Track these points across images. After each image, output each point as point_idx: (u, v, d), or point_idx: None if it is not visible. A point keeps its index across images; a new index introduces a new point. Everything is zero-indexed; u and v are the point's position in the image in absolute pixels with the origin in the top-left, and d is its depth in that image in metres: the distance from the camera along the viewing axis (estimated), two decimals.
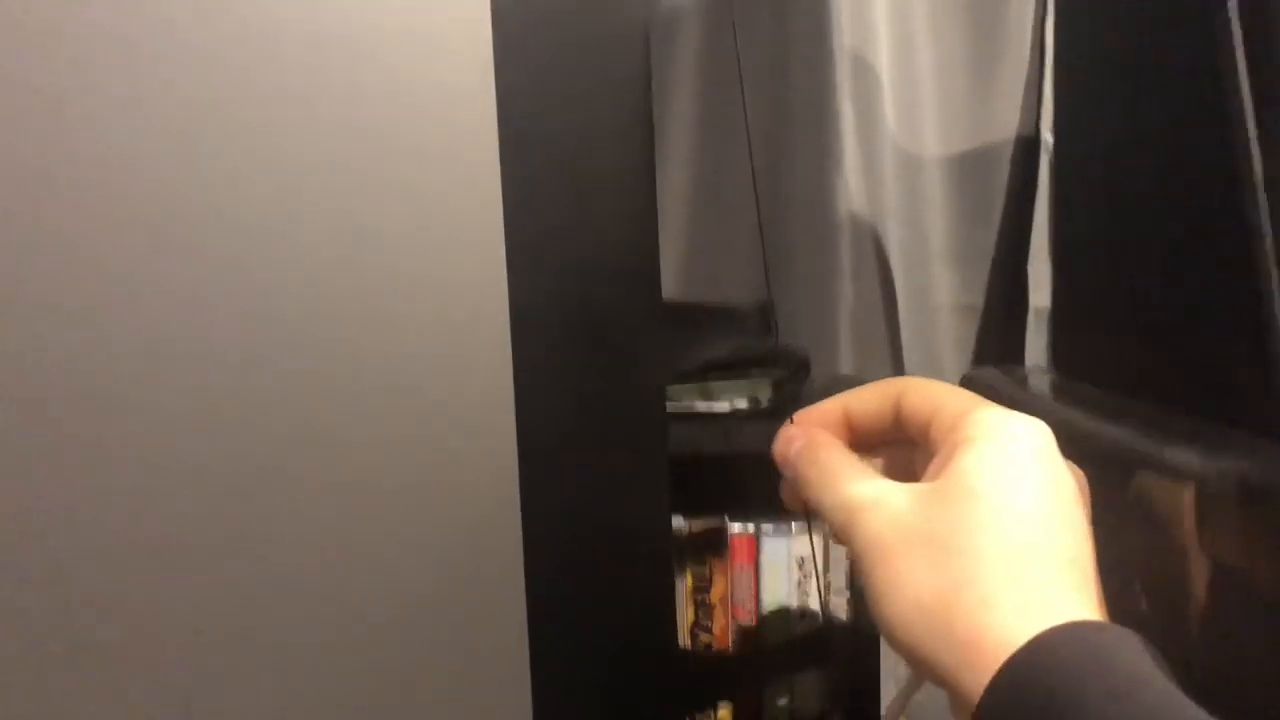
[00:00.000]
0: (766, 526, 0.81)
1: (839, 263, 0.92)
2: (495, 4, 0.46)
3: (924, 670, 0.30)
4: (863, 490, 0.34)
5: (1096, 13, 0.66)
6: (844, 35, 0.91)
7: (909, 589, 0.31)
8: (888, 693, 0.82)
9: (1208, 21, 0.49)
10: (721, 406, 0.77)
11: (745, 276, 0.92)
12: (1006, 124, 0.96)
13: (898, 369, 0.98)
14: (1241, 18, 0.48)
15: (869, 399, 0.38)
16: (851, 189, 0.93)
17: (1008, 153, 0.96)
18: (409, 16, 0.43)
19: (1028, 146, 0.96)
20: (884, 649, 0.81)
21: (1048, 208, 0.92)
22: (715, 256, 0.92)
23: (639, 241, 0.52)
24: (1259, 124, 0.48)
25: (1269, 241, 0.46)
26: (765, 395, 0.78)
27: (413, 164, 0.42)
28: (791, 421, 0.38)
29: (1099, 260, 0.68)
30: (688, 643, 0.83)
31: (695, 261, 0.92)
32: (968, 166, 0.97)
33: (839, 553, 0.83)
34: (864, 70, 0.94)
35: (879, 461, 0.38)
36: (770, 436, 0.38)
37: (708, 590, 0.82)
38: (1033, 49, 0.96)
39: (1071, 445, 0.34)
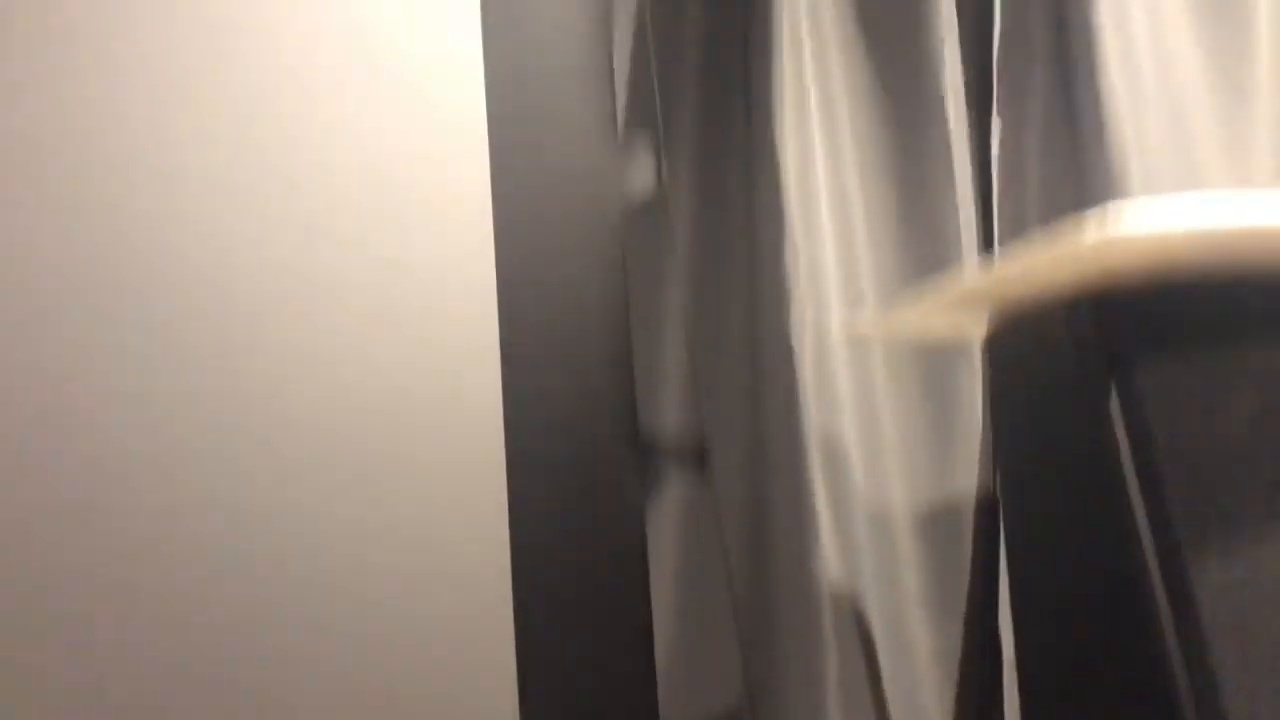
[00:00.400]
0: None
1: (823, 636, 0.99)
2: (495, 194, 0.55)
3: None
4: None
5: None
6: (812, 411, 1.02)
7: None
8: None
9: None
10: None
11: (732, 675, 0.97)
12: (966, 487, 1.06)
13: None
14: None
15: None
16: (828, 555, 1.01)
17: (971, 513, 1.06)
18: (415, 200, 0.52)
19: (988, 508, 1.05)
20: None
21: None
22: (706, 668, 0.98)
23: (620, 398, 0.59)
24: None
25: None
26: None
27: (416, 343, 0.51)
28: None
29: (1049, 633, 0.76)
30: None
31: (686, 672, 0.96)
32: (935, 524, 1.06)
33: None
34: (833, 444, 1.05)
35: None
36: None
37: None
38: (983, 419, 1.08)
39: None
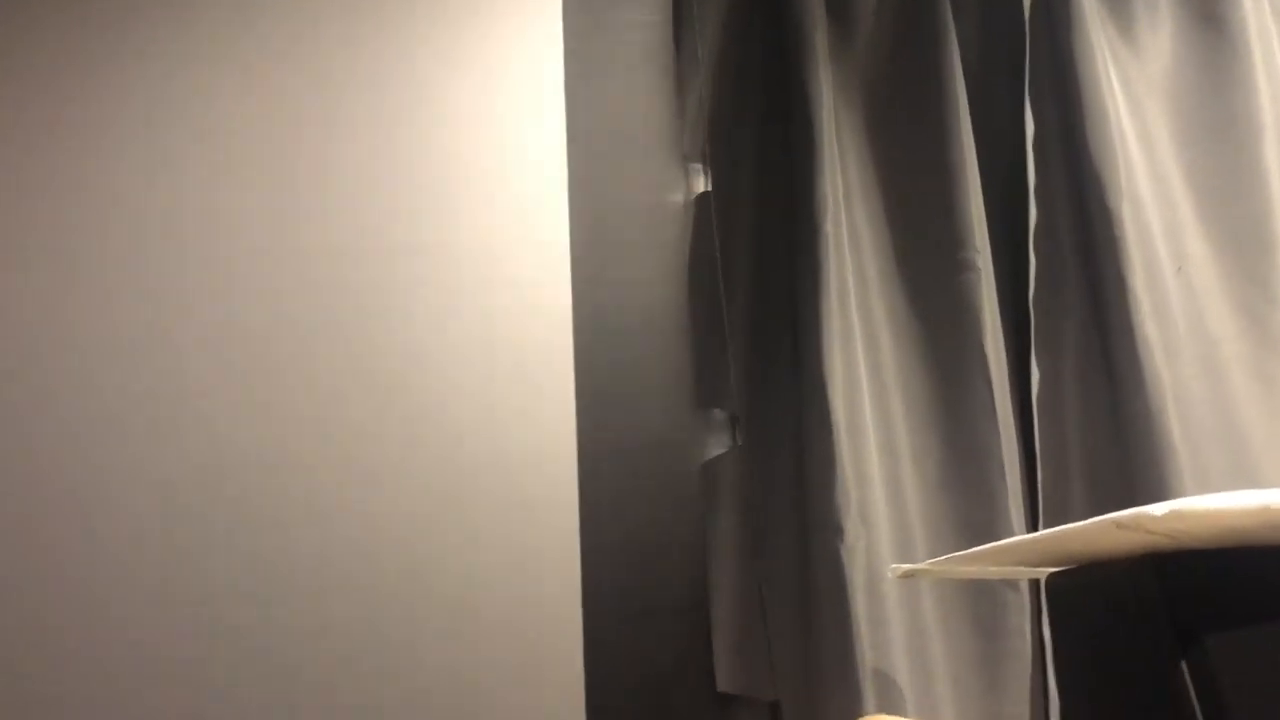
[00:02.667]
0: None
1: None
2: (580, 450, 0.56)
3: None
4: None
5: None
6: (865, 644, 1.02)
7: None
8: None
9: None
10: None
11: None
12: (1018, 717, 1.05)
13: None
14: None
15: None
16: None
17: None
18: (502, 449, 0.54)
19: None
20: None
21: None
22: None
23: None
24: None
25: None
26: None
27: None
28: None
29: None
30: None
31: None
32: None
33: None
34: (885, 676, 1.04)
35: None
36: None
37: None
38: (1033, 648, 1.07)
39: None
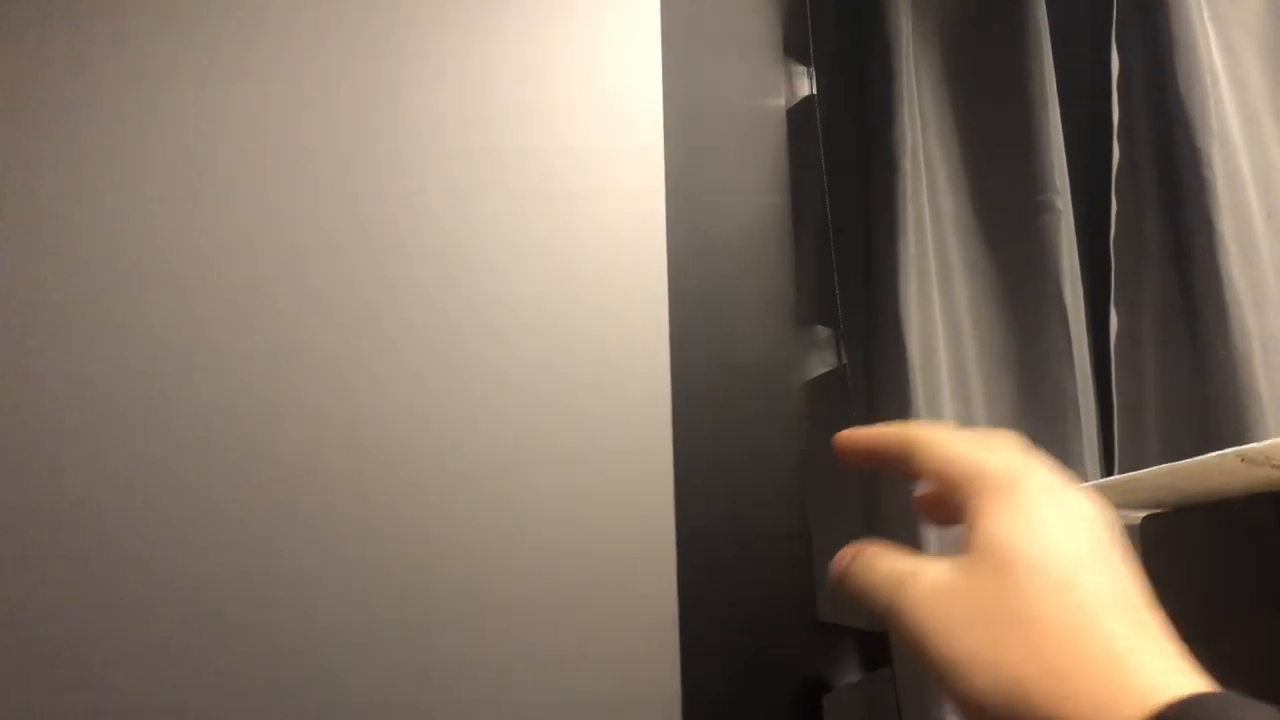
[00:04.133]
0: None
1: None
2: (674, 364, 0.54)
3: None
4: (903, 564, 0.37)
5: None
6: None
7: (984, 668, 0.32)
8: None
9: None
10: None
11: None
12: None
13: None
14: None
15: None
16: None
17: None
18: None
19: None
20: None
21: None
22: None
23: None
24: None
25: None
26: None
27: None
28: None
29: None
30: None
31: None
32: None
33: None
34: None
35: None
36: None
37: None
38: None
39: None
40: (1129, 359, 1.09)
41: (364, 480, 0.59)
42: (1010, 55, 1.16)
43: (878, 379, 1.04)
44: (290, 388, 0.62)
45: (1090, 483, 0.72)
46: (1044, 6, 1.19)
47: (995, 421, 1.07)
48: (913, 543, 0.95)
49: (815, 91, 0.85)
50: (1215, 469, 0.60)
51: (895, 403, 1.02)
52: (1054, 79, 1.16)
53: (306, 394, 0.62)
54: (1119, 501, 0.73)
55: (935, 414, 1.02)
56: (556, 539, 0.56)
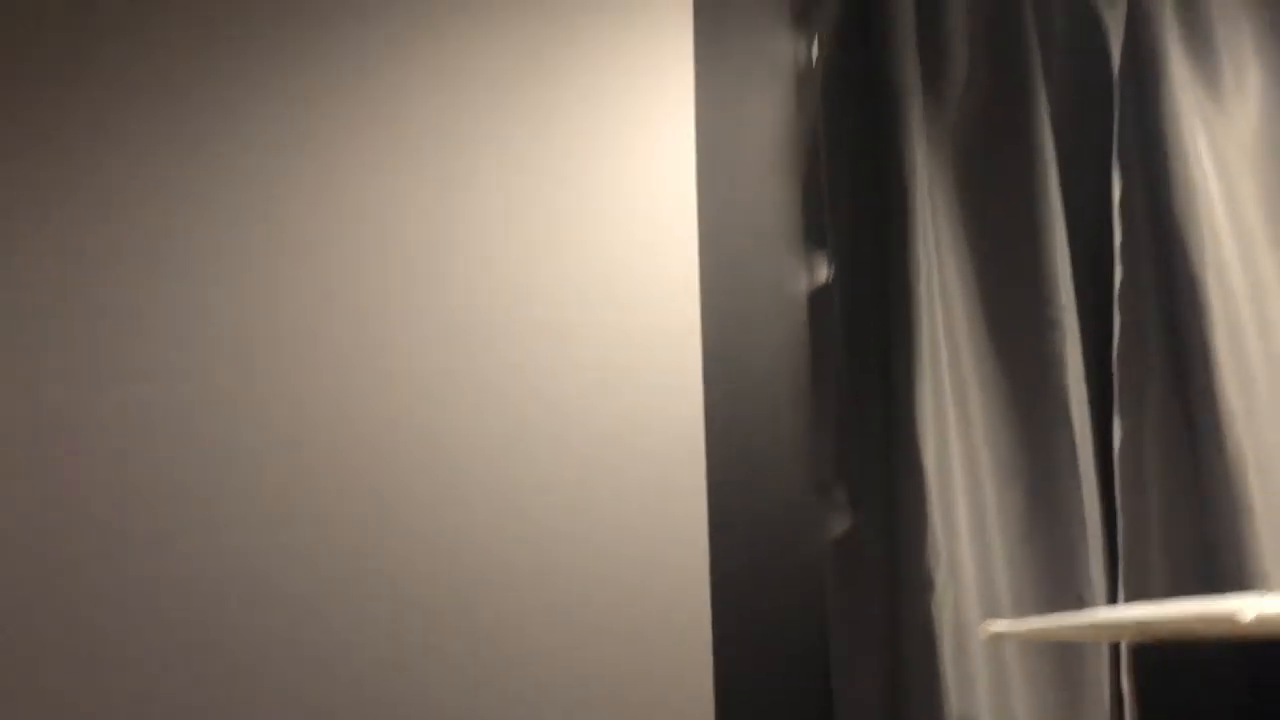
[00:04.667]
0: None
1: None
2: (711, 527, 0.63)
3: None
4: None
5: None
6: (953, 700, 1.08)
7: None
8: None
9: None
10: None
11: None
12: None
13: None
14: None
15: None
16: None
17: None
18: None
19: None
20: None
21: None
22: None
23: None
24: None
25: None
26: None
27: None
28: None
29: None
30: None
31: None
32: None
33: None
34: None
35: None
36: None
37: None
38: (1110, 700, 1.12)
39: None
40: (1132, 468, 1.18)
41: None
42: (1019, 178, 1.25)
43: (896, 494, 1.13)
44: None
45: (1078, 619, 0.81)
46: (1049, 131, 1.27)
47: (1006, 529, 1.16)
48: (930, 670, 1.03)
49: (831, 275, 0.95)
50: (1184, 619, 0.69)
51: (913, 516, 1.11)
52: (1060, 200, 1.25)
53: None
54: (1107, 636, 0.81)
55: (951, 526, 1.11)
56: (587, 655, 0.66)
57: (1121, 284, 1.22)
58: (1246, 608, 0.64)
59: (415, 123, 0.84)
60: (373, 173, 0.80)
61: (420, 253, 0.80)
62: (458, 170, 0.81)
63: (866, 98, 1.29)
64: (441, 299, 0.79)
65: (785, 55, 1.17)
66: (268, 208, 0.81)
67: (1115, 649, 1.10)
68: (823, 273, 0.99)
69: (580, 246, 0.79)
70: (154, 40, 0.86)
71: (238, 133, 0.84)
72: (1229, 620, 0.65)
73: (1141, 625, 0.75)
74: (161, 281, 0.80)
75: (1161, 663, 0.79)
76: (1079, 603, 1.10)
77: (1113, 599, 1.14)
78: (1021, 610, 1.12)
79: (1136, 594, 1.11)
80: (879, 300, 1.21)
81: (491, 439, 0.73)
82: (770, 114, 0.93)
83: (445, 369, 0.75)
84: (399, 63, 0.85)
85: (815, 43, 1.28)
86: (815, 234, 0.96)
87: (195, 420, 0.76)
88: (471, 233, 0.79)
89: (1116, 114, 1.27)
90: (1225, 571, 1.09)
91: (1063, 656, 1.12)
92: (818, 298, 0.93)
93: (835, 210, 1.22)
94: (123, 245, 0.81)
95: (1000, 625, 0.95)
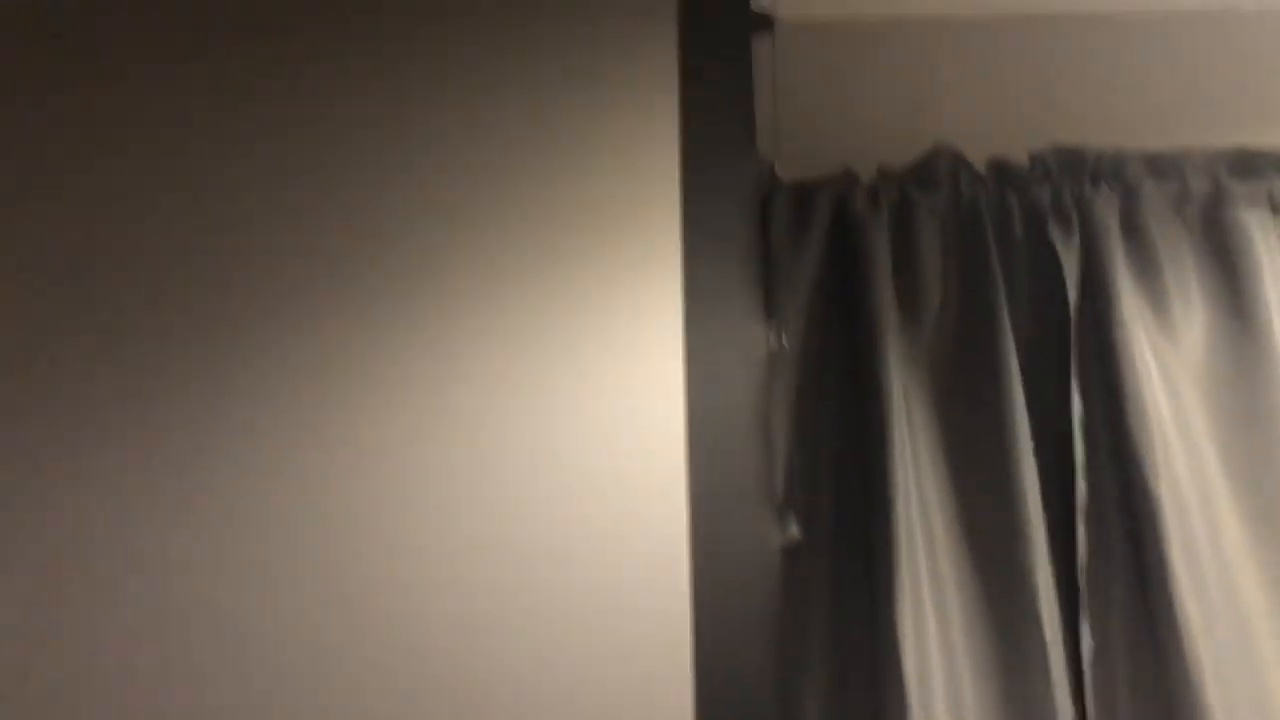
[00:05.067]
0: None
1: None
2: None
3: None
4: None
5: None
6: None
7: None
8: None
9: None
10: None
11: None
12: None
13: None
14: None
15: None
16: None
17: None
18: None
19: None
20: None
21: None
22: None
23: None
24: None
25: None
26: None
27: None
28: None
29: None
30: None
31: None
32: None
33: None
34: None
35: None
36: None
37: None
38: None
39: None
40: (1101, 672, 1.26)
41: None
42: (988, 399, 1.39)
43: (881, 700, 1.22)
44: None
45: None
46: (1014, 353, 1.41)
47: None
48: None
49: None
50: None
51: (894, 712, 1.19)
52: (1026, 418, 1.37)
53: None
54: None
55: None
56: None
57: (1086, 499, 1.34)
58: None
59: (407, 353, 0.96)
60: (362, 406, 0.93)
61: (409, 478, 0.92)
62: (452, 404, 0.93)
63: (848, 321, 1.43)
64: (431, 522, 0.89)
65: (773, 291, 1.31)
66: (262, 440, 0.93)
67: None
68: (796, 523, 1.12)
69: (570, 480, 0.91)
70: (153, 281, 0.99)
71: (233, 380, 0.97)
72: None
73: None
74: (162, 514, 0.91)
75: None
76: None
77: None
78: None
79: None
80: (861, 512, 1.32)
81: (477, 662, 0.83)
82: (755, 347, 1.07)
83: (434, 589, 0.86)
84: (396, 298, 0.99)
85: (800, 281, 1.43)
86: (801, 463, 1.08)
87: (191, 649, 0.86)
88: (463, 461, 0.91)
89: (1074, 342, 1.41)
90: None
91: None
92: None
93: (818, 434, 1.35)
94: (124, 480, 0.93)
95: None
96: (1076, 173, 1.48)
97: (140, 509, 0.93)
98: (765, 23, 1.11)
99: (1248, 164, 1.50)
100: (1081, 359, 1.41)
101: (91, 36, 1.11)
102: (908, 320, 1.45)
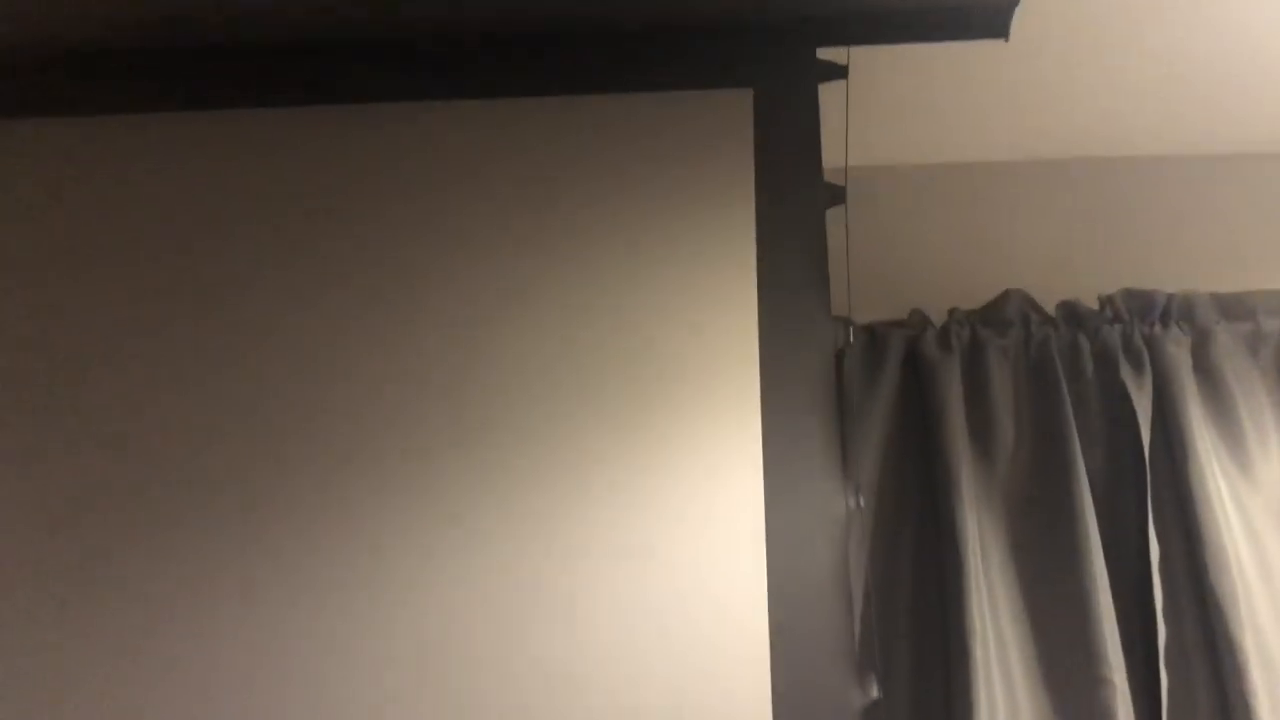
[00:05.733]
0: None
1: None
2: None
3: None
4: None
5: None
6: None
7: None
8: None
9: None
10: None
11: None
12: None
13: None
14: None
15: None
16: None
17: None
18: None
19: None
20: None
21: None
22: None
23: None
24: None
25: None
26: None
27: None
28: None
29: None
30: None
31: None
32: None
33: None
34: None
35: None
36: None
37: None
38: None
39: None
40: None
41: None
42: (1064, 543, 1.40)
43: None
44: None
45: None
46: (1089, 495, 1.42)
47: None
48: None
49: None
50: None
51: None
52: (1103, 561, 1.38)
53: None
54: None
55: None
56: None
57: (1166, 645, 1.34)
58: None
59: (496, 507, 1.02)
60: (446, 565, 0.98)
61: (490, 635, 0.96)
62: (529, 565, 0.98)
63: (922, 462, 1.47)
64: (517, 681, 0.93)
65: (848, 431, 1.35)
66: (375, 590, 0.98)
67: None
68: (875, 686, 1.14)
69: (652, 641, 0.95)
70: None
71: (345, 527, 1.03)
72: None
73: None
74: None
75: None
76: None
77: None
78: None
79: None
80: (939, 658, 1.34)
81: None
82: (833, 504, 1.11)
83: None
84: (487, 449, 1.04)
85: (875, 422, 1.47)
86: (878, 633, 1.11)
87: None
88: (545, 626, 0.95)
89: (1149, 483, 1.42)
90: None
91: None
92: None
93: (895, 579, 1.38)
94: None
95: None
96: (1147, 315, 1.51)
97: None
98: (838, 194, 1.17)
99: None
100: (1158, 500, 1.42)
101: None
102: (981, 460, 1.47)
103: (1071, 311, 1.53)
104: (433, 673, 0.98)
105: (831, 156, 1.21)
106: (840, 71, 1.24)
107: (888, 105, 1.55)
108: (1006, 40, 1.26)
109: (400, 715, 0.98)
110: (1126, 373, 1.49)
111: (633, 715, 0.96)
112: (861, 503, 1.38)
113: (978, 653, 1.31)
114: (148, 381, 1.10)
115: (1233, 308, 1.52)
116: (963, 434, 1.47)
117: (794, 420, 1.08)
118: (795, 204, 1.15)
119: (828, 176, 1.19)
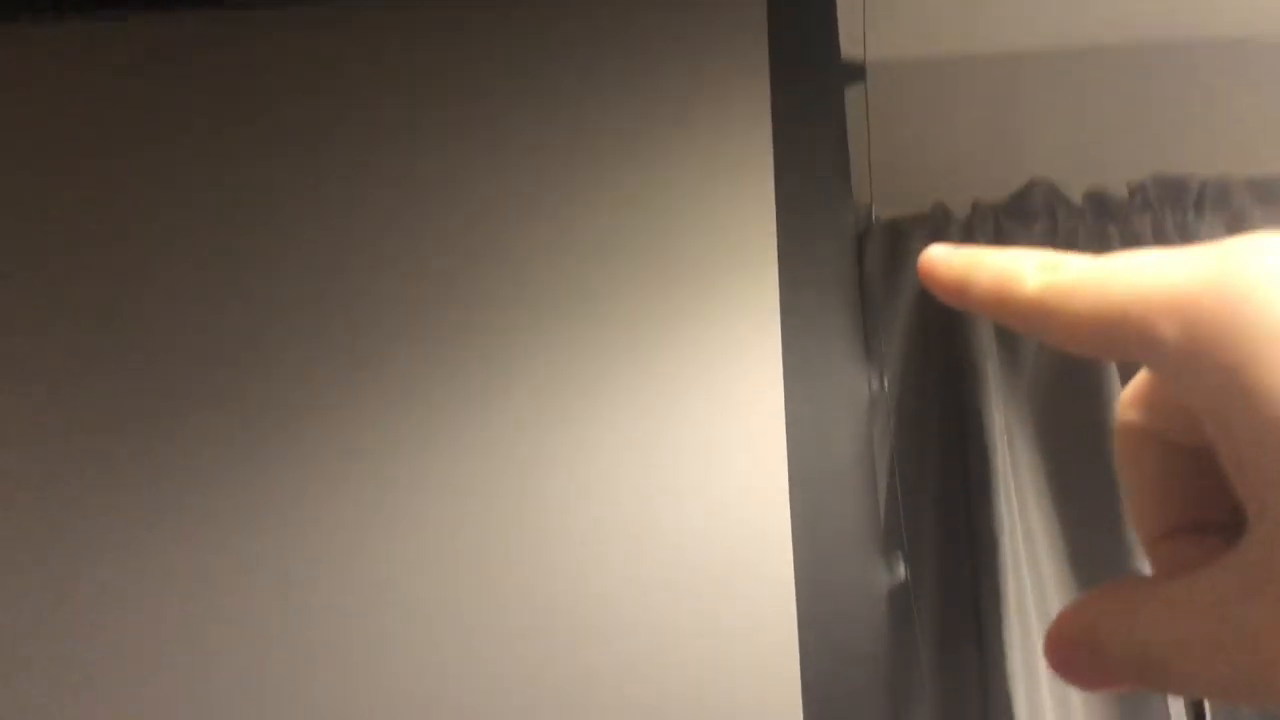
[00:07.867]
0: None
1: None
2: None
3: None
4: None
5: None
6: None
7: None
8: None
9: None
10: None
11: None
12: None
13: None
14: None
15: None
16: None
17: None
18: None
19: None
20: None
21: None
22: None
23: None
24: None
25: None
26: None
27: None
28: None
29: None
30: None
31: None
32: None
33: None
34: None
35: None
36: None
37: None
38: None
39: None
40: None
41: None
42: (1092, 429, 1.37)
43: None
44: None
45: None
46: (1117, 385, 1.39)
47: None
48: None
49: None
50: None
51: None
52: None
53: None
54: None
55: None
56: None
57: None
58: None
59: (514, 412, 0.99)
60: (473, 465, 0.96)
61: (524, 536, 0.95)
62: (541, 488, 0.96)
63: (946, 359, 1.44)
64: (548, 578, 0.92)
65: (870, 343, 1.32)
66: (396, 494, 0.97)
67: None
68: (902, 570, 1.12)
69: (674, 526, 0.93)
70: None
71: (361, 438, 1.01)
72: None
73: None
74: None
75: None
76: None
77: None
78: None
79: None
80: (966, 552, 1.32)
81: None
82: (856, 390, 1.08)
83: (551, 636, 0.88)
84: (506, 359, 1.02)
85: (897, 319, 1.44)
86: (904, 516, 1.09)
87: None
88: (567, 516, 0.94)
89: None
90: None
91: None
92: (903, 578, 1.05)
93: (921, 473, 1.35)
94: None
95: None
96: (1179, 202, 1.46)
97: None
98: (856, 73, 1.13)
99: None
100: None
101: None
102: (1007, 356, 1.44)
103: (1100, 201, 1.48)
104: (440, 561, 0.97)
105: (849, 49, 1.17)
106: None
107: None
108: None
109: (421, 637, 0.96)
110: None
111: (650, 598, 0.94)
112: (886, 385, 1.35)
113: (1006, 544, 1.29)
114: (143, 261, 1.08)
115: (1269, 191, 1.47)
116: (988, 329, 1.43)
117: (813, 301, 1.05)
118: (812, 83, 1.11)
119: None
